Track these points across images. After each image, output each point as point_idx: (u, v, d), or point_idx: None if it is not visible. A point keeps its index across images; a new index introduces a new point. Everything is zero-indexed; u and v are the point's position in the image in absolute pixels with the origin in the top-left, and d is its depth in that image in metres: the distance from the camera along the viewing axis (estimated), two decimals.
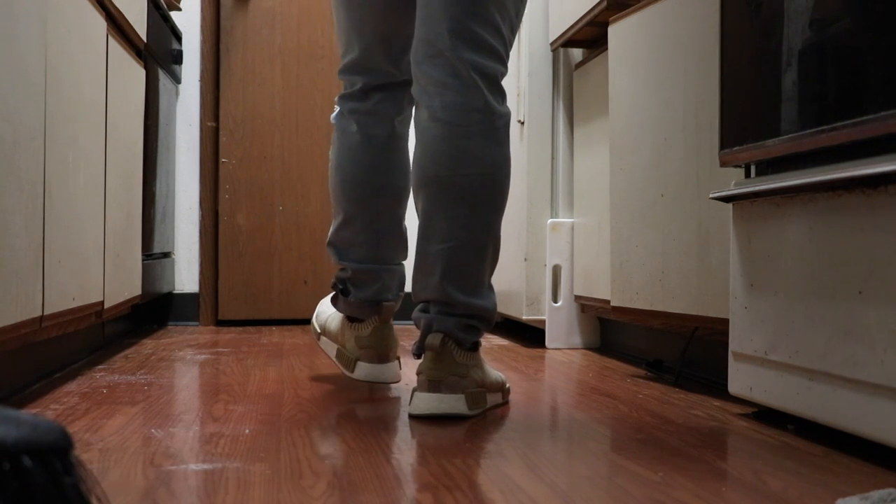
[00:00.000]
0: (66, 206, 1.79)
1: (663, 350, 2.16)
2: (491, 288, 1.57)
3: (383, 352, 1.73)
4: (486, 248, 1.52)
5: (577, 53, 2.62)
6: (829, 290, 1.26)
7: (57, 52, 1.71)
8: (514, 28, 1.56)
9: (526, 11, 2.61)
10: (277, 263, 3.40)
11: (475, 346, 1.55)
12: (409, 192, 1.76)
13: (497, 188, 1.51)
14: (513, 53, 2.71)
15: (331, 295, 1.86)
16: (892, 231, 1.14)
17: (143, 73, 2.57)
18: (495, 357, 2.36)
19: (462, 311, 1.51)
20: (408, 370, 2.03)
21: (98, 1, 2.04)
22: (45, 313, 1.65)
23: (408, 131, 1.79)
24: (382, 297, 1.76)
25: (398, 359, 1.80)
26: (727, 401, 1.66)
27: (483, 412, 1.55)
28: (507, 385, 1.66)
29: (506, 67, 1.55)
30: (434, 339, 1.48)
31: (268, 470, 1.14)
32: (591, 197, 2.44)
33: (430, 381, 1.48)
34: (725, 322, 1.61)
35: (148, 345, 2.65)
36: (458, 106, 1.49)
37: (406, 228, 1.81)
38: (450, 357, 1.49)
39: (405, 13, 1.66)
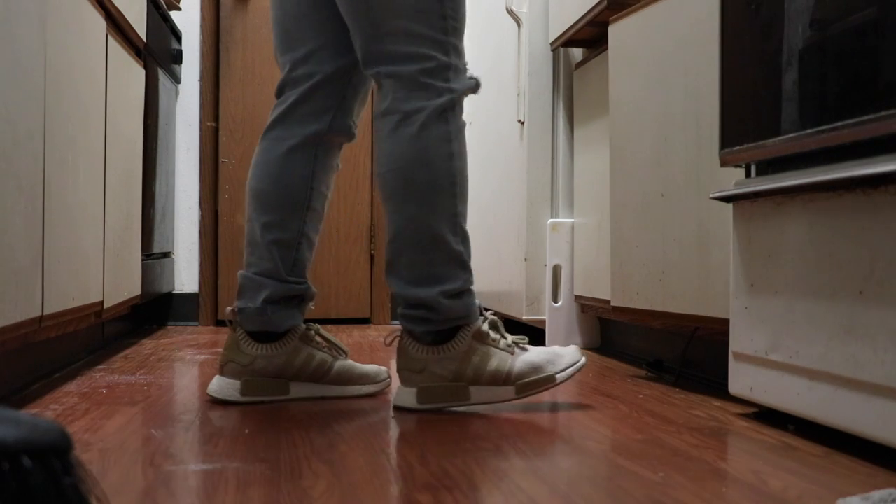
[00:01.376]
0: (65, 205, 1.78)
1: (663, 350, 2.16)
2: (445, 279, 1.57)
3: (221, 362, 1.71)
4: (416, 239, 1.57)
5: (577, 53, 2.62)
6: (829, 290, 1.26)
7: (57, 52, 1.71)
8: (440, 12, 1.56)
9: (526, 11, 2.62)
10: None
11: (440, 339, 1.56)
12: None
13: (409, 180, 1.56)
14: (513, 53, 2.71)
15: None
16: (892, 231, 1.14)
17: (142, 72, 2.57)
18: None
19: (406, 303, 1.59)
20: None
21: (98, 1, 2.04)
22: (45, 313, 1.65)
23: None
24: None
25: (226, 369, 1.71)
26: (727, 401, 1.66)
27: (446, 407, 1.56)
28: (535, 377, 1.57)
29: (436, 52, 1.56)
30: (397, 335, 1.62)
31: (268, 470, 1.14)
32: (591, 197, 2.44)
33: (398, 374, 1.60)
34: (725, 322, 1.61)
35: (147, 345, 2.65)
36: (377, 114, 1.61)
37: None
38: (405, 352, 1.59)
39: None
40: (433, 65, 1.56)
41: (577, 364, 1.60)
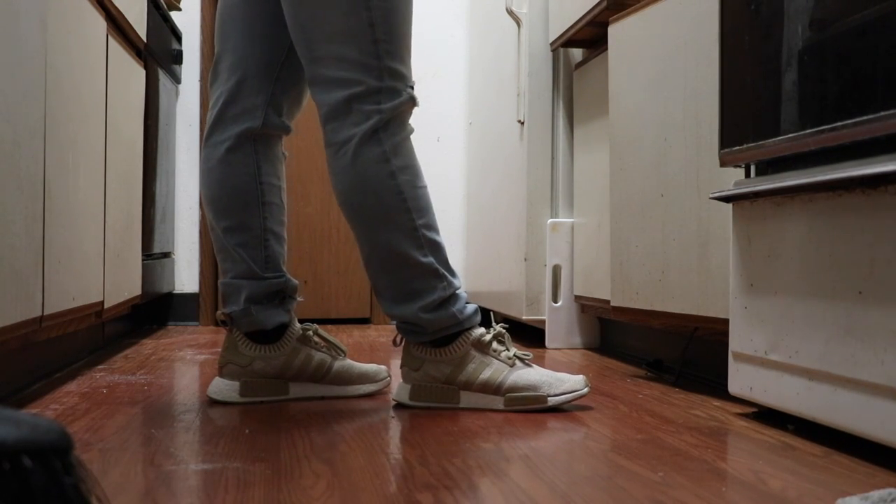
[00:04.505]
0: (66, 206, 1.79)
1: (663, 350, 2.16)
2: (421, 294, 1.58)
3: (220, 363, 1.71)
4: (383, 261, 1.59)
5: (577, 53, 2.62)
6: (829, 290, 1.26)
7: (57, 52, 1.71)
8: (371, 36, 1.54)
9: (526, 11, 2.62)
10: None
11: (444, 342, 1.59)
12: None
13: (357, 208, 1.58)
14: (513, 53, 2.71)
15: None
16: (892, 231, 1.14)
17: (143, 73, 2.57)
18: None
19: (396, 320, 1.63)
20: None
21: (98, 1, 2.05)
22: (45, 313, 1.65)
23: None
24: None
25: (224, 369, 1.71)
26: (727, 401, 1.66)
27: (435, 406, 1.58)
28: (526, 394, 1.57)
29: (366, 77, 1.54)
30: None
31: (268, 470, 1.14)
32: (591, 197, 2.44)
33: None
34: (725, 322, 1.61)
35: (148, 345, 2.65)
36: (324, 146, 1.61)
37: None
38: (407, 350, 1.63)
39: None
40: (361, 89, 1.54)
41: (577, 393, 1.59)
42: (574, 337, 2.59)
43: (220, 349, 2.51)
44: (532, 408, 1.57)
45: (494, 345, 1.61)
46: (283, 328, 1.70)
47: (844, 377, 1.22)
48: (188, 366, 2.19)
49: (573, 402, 1.61)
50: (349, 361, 1.75)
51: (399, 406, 1.62)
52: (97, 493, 0.65)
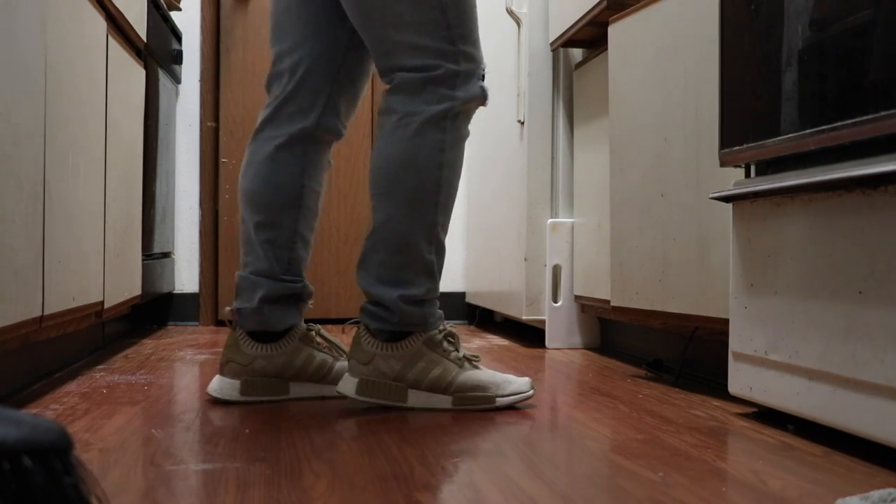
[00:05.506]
0: (65, 206, 1.79)
1: (663, 350, 2.16)
2: (409, 284, 1.58)
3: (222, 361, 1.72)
4: (390, 239, 1.58)
5: (577, 53, 2.62)
6: (829, 290, 1.26)
7: (57, 52, 1.71)
8: (444, 23, 1.56)
9: (526, 11, 2.62)
10: None
11: (393, 338, 1.58)
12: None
13: (394, 181, 1.57)
14: (513, 53, 2.71)
15: None
16: (892, 231, 1.14)
17: (143, 73, 2.57)
18: (495, 357, 2.36)
19: (368, 298, 1.61)
20: None
21: (98, 1, 2.04)
22: (45, 313, 1.65)
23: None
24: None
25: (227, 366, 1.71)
26: (727, 401, 1.66)
27: (382, 403, 1.57)
28: (475, 394, 1.58)
29: (444, 62, 1.56)
30: (356, 324, 1.65)
31: (268, 470, 1.14)
32: (591, 197, 2.44)
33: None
34: (725, 322, 1.61)
35: (148, 345, 2.65)
36: (380, 111, 1.63)
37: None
38: (357, 343, 1.60)
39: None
40: (440, 72, 1.57)
41: (524, 394, 1.60)
42: (574, 337, 2.59)
43: (219, 349, 2.52)
44: (480, 408, 1.58)
45: (444, 344, 1.60)
46: (290, 328, 1.70)
47: (844, 377, 1.22)
48: (188, 366, 2.19)
49: (576, 403, 1.60)
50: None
51: (342, 398, 1.61)
52: (97, 493, 0.65)
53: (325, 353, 1.72)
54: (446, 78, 1.57)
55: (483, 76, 1.62)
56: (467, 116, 1.61)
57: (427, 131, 1.56)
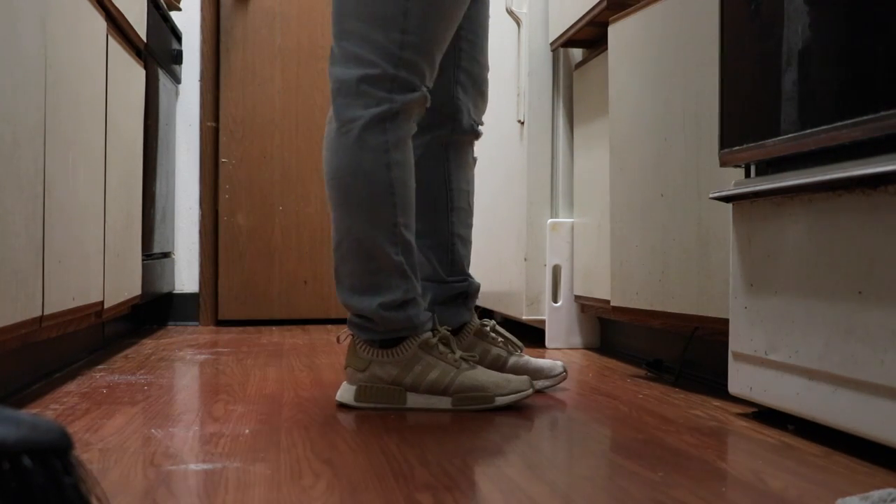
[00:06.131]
0: (66, 206, 1.79)
1: (663, 350, 2.16)
2: (384, 290, 1.58)
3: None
4: (355, 249, 1.59)
5: (577, 53, 2.62)
6: (829, 290, 1.26)
7: (57, 52, 1.71)
8: (400, 25, 1.55)
9: (526, 11, 2.62)
10: (277, 263, 3.40)
11: (392, 343, 1.59)
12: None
13: (346, 190, 1.58)
14: (513, 53, 2.71)
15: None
16: (892, 231, 1.14)
17: (143, 73, 2.57)
18: None
19: (350, 311, 1.63)
20: None
21: (98, 1, 2.05)
22: (45, 313, 1.65)
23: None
24: None
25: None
26: (727, 401, 1.66)
27: (382, 408, 1.58)
28: (474, 394, 1.57)
29: (383, 61, 1.55)
30: (350, 333, 1.65)
31: (268, 470, 1.14)
32: (591, 197, 2.44)
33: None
34: (725, 322, 1.61)
35: (148, 345, 2.65)
36: (327, 121, 1.64)
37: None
38: (352, 351, 1.62)
39: None
40: (376, 72, 1.56)
41: (523, 393, 1.60)
42: (574, 337, 2.59)
43: (219, 349, 2.52)
44: (479, 407, 1.58)
45: (440, 347, 1.61)
46: (462, 326, 1.79)
47: (844, 377, 1.22)
48: (188, 366, 2.19)
49: (576, 403, 1.60)
50: (526, 357, 1.81)
51: (343, 406, 1.60)
52: (97, 493, 0.65)
53: (500, 347, 1.79)
54: (382, 80, 1.56)
55: (426, 97, 1.59)
56: (408, 116, 1.59)
57: (368, 135, 1.56)
